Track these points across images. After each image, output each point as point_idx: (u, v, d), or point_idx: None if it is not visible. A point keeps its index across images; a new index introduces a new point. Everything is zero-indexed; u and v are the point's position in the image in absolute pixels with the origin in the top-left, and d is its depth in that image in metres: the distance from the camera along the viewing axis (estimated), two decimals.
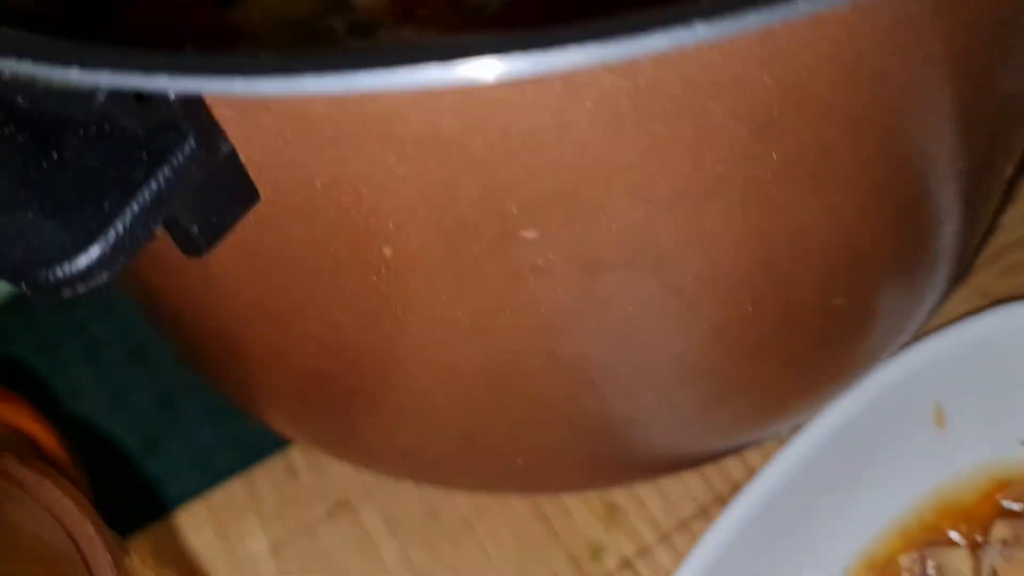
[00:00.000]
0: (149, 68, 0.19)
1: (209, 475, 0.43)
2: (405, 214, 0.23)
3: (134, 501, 0.43)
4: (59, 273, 0.21)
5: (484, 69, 0.19)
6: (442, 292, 0.25)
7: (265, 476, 0.43)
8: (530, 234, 0.24)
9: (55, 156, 0.22)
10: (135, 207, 0.21)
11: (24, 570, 0.30)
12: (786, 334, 0.29)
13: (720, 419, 0.32)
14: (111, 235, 0.21)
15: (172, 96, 0.21)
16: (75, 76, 0.20)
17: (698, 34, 0.18)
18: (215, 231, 0.23)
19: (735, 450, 0.37)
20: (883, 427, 0.36)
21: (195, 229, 0.23)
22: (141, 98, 0.20)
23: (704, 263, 0.25)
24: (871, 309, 0.31)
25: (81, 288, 0.21)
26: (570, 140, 0.22)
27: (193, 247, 0.23)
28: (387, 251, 0.24)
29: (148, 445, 0.44)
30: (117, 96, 0.20)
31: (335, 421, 0.34)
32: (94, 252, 0.21)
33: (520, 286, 0.25)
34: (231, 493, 0.43)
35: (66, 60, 0.20)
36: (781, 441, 0.39)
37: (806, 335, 0.30)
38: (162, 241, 0.26)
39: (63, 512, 0.27)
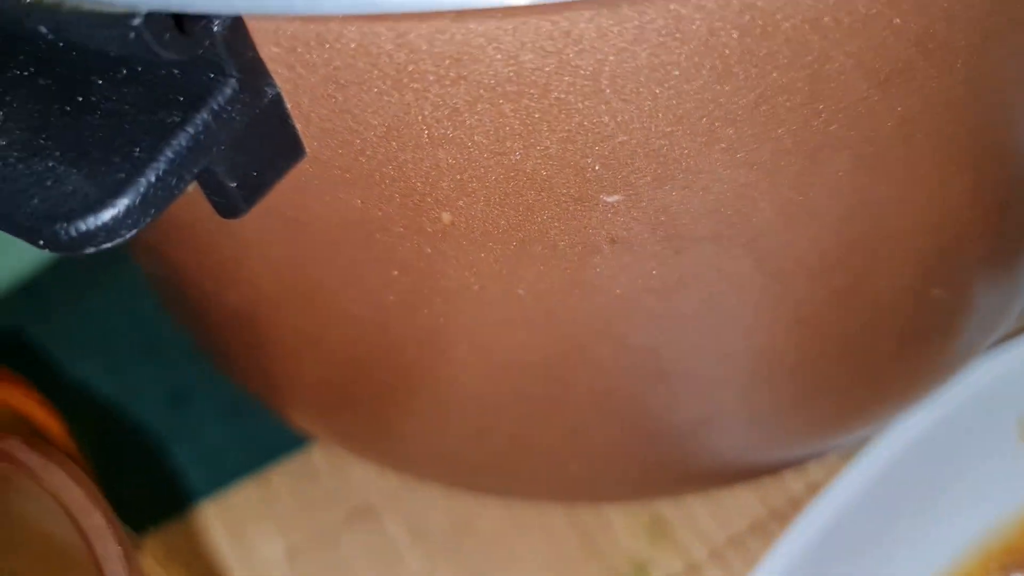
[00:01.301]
0: None
1: (223, 475, 0.41)
2: (470, 172, 0.21)
3: (144, 500, 0.41)
4: (82, 227, 0.18)
5: None
6: (504, 267, 0.23)
7: (282, 477, 0.41)
8: (612, 198, 0.21)
9: (80, 99, 0.20)
10: (169, 155, 0.19)
11: (25, 565, 0.27)
12: (878, 327, 0.26)
13: (796, 423, 0.29)
14: (141, 185, 0.18)
15: (216, 25, 0.18)
16: None
17: None
18: (255, 188, 0.21)
19: (800, 461, 0.34)
20: (962, 441, 0.34)
21: (233, 184, 0.20)
22: (182, 24, 0.18)
23: (804, 239, 0.23)
24: (967, 303, 0.28)
25: (105, 244, 0.18)
26: (669, 86, 0.19)
27: (230, 206, 0.20)
28: (446, 217, 0.22)
29: (159, 442, 0.42)
30: (156, 20, 0.17)
31: (368, 417, 0.31)
32: (122, 204, 0.18)
33: (594, 261, 0.22)
34: (246, 494, 0.41)
35: None
36: (845, 455, 0.36)
37: (898, 329, 0.27)
38: (189, 207, 0.23)
39: (70, 500, 0.24)
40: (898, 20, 0.19)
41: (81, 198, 0.18)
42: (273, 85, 0.20)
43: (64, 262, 0.47)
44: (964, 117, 0.22)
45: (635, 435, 0.28)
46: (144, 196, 0.18)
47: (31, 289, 0.47)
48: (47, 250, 0.19)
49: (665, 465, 0.30)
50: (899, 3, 0.19)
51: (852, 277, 0.24)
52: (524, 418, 0.27)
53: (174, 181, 0.19)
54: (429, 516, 0.39)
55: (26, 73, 0.21)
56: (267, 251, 0.24)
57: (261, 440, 0.41)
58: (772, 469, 0.33)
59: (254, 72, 0.19)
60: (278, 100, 0.20)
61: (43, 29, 0.19)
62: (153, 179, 0.18)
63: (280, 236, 0.24)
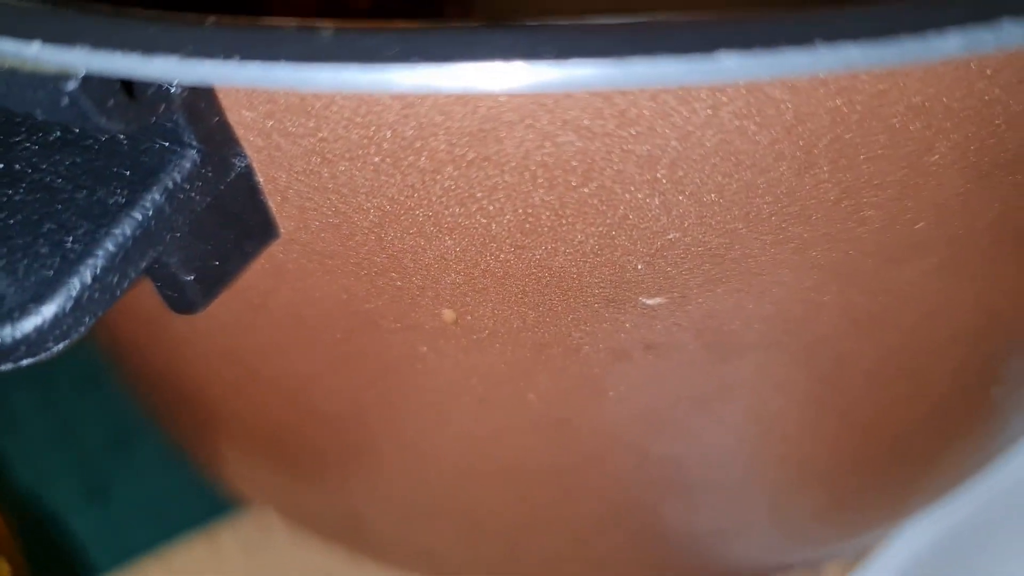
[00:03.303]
0: (150, 45, 0.13)
1: (166, 529, 0.37)
2: (482, 266, 0.17)
3: (75, 556, 0.37)
4: None
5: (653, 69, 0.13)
6: (513, 371, 0.19)
7: (233, 534, 0.37)
8: (653, 301, 0.17)
9: None
10: (110, 247, 0.15)
11: None
12: (930, 428, 0.23)
13: (823, 530, 0.26)
14: (74, 287, 0.15)
15: (176, 88, 0.14)
16: (35, 52, 0.13)
17: (1004, 37, 0.12)
18: (215, 280, 0.17)
19: (811, 564, 0.31)
20: (991, 536, 0.31)
21: (189, 277, 0.16)
22: (131, 89, 0.14)
23: (867, 347, 0.19)
24: (1021, 398, 0.25)
25: (25, 361, 0.15)
26: (739, 178, 0.15)
27: (185, 302, 0.17)
28: (447, 314, 0.18)
29: (96, 489, 0.39)
30: (98, 85, 0.13)
31: (335, 512, 0.27)
32: (48, 311, 0.14)
33: (622, 368, 0.19)
34: (192, 552, 0.37)
35: (24, 28, 0.14)
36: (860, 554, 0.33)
37: (949, 428, 0.24)
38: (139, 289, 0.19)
39: None
40: (1016, 106, 0.15)
41: None
42: (243, 155, 0.16)
43: None
44: None
45: (644, 546, 0.24)
46: (77, 300, 0.15)
47: None
48: None
49: (670, 572, 0.27)
50: (1019, 89, 0.15)
51: (914, 383, 0.21)
52: (520, 525, 0.24)
53: (115, 279, 0.15)
54: None
55: None
56: (227, 337, 0.21)
57: (210, 491, 0.37)
58: (783, 570, 0.30)
59: (220, 141, 0.16)
60: (248, 173, 0.16)
61: None
62: (89, 279, 0.15)
63: (244, 322, 0.20)
